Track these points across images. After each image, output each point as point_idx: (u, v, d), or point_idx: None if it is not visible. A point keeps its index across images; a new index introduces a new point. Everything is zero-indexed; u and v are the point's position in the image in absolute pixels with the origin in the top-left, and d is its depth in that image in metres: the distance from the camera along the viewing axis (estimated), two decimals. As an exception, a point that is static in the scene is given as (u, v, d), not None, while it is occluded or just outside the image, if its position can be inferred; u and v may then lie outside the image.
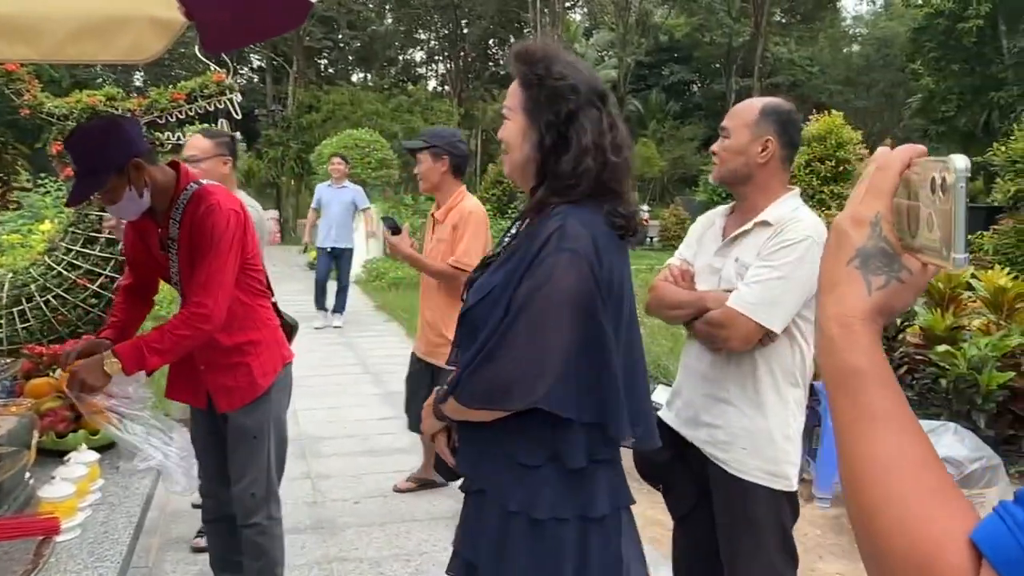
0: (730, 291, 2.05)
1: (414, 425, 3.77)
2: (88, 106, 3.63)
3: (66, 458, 2.00)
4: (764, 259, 2.01)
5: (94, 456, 2.03)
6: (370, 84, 34.17)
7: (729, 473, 2.06)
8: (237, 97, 3.50)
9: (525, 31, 32.81)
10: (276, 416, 2.60)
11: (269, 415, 2.56)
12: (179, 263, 2.38)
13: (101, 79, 23.55)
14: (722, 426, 2.08)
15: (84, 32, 2.57)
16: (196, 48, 2.97)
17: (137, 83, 27.99)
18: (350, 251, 9.11)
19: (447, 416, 1.73)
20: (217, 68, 3.55)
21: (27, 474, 1.92)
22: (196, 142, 3.27)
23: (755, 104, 2.15)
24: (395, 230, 2.92)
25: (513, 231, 1.82)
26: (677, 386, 2.28)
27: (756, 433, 2.05)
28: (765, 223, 2.08)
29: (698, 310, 2.08)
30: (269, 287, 2.63)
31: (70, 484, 1.82)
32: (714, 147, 2.18)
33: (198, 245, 2.29)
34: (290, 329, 2.75)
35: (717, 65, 36.55)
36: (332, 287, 9.16)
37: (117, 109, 3.63)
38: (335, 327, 9.05)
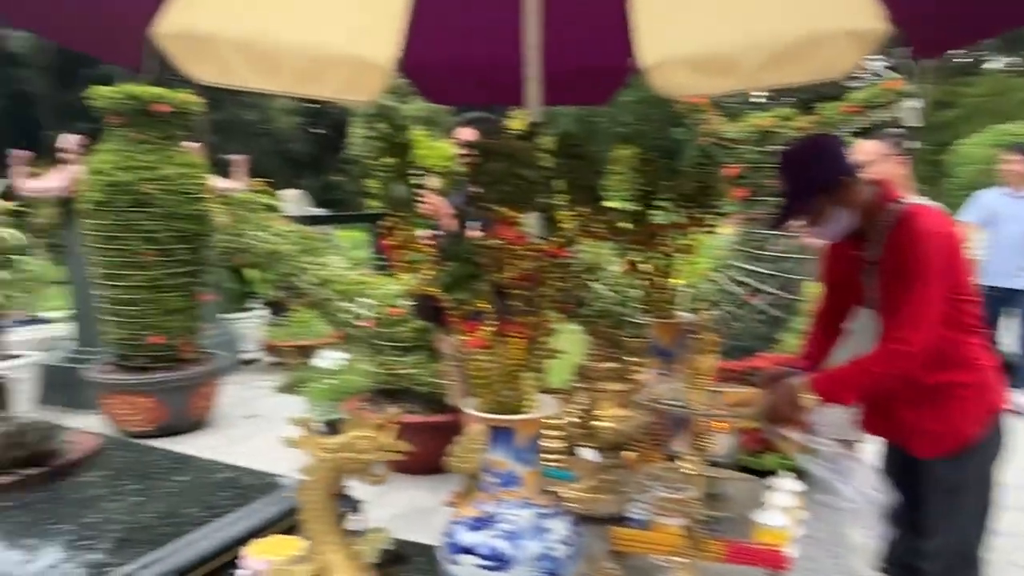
0: None
1: None
2: (760, 129, 3.78)
3: (769, 483, 2.02)
4: None
5: (799, 486, 2.01)
6: (1013, 69, 29.52)
7: None
8: (916, 103, 3.23)
9: None
10: (981, 472, 2.25)
11: (972, 470, 2.23)
12: (877, 289, 2.22)
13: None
14: None
15: (780, 56, 2.60)
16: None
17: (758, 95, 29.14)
18: None
19: None
20: (894, 73, 3.33)
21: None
22: (864, 146, 3.16)
23: None
24: None
25: None
26: None
27: None
28: None
29: None
30: (983, 322, 2.28)
31: (784, 514, 1.81)
32: None
33: (900, 273, 2.09)
34: (1012, 370, 2.35)
35: None
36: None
37: (789, 129, 3.70)
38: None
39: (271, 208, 6.06)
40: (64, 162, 5.67)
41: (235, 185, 6.79)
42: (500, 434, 1.49)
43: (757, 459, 2.26)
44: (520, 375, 1.46)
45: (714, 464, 2.06)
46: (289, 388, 6.22)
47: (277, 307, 7.80)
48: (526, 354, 1.45)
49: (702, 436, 1.61)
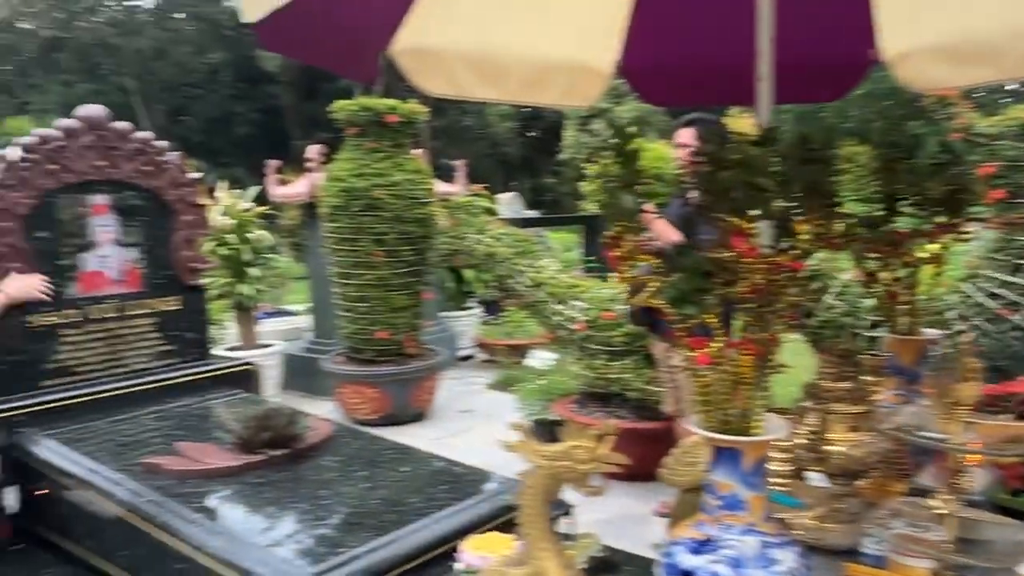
0: None
1: None
2: (1021, 121, 3.34)
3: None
4: None
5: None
6: None
7: None
8: None
9: None
10: None
11: None
12: None
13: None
14: None
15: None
16: None
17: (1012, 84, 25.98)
18: None
19: None
20: None
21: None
22: None
23: None
24: None
25: None
26: None
27: None
28: None
29: None
30: None
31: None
32: None
33: None
34: None
35: None
36: None
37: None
38: None
39: (489, 211, 6.29)
40: (308, 170, 6.24)
41: (455, 189, 7.11)
42: (725, 455, 1.42)
43: (1014, 498, 1.99)
44: (748, 393, 1.38)
45: (970, 504, 1.84)
46: (501, 385, 6.41)
47: (491, 306, 8.09)
48: (754, 371, 1.36)
49: (956, 471, 1.44)
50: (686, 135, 3.34)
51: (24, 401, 3.34)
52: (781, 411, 1.65)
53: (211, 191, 5.96)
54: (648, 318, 3.63)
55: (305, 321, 7.50)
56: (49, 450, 3.11)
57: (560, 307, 4.39)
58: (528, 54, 2.54)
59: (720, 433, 1.40)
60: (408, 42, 2.33)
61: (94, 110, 3.60)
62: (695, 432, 1.42)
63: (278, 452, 2.94)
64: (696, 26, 2.70)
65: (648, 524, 3.71)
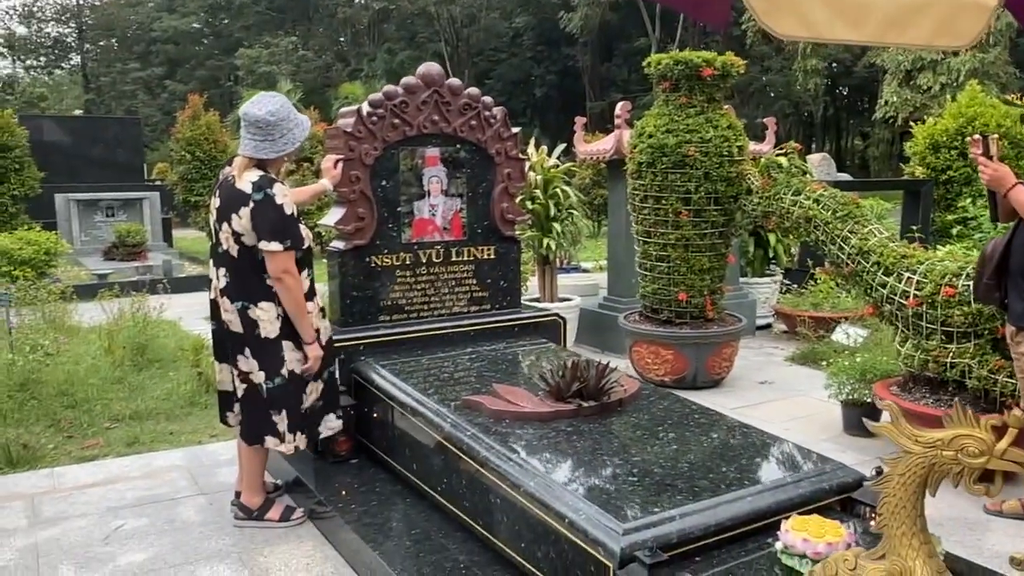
0: None
1: None
2: None
3: None
4: None
5: None
6: None
7: None
8: None
9: None
10: None
11: None
12: None
13: None
14: None
15: None
16: None
17: None
18: None
19: None
20: None
21: None
22: None
23: None
24: None
25: None
26: None
27: None
28: None
29: None
30: None
31: None
32: None
33: None
34: None
35: None
36: None
37: None
38: None
39: (805, 172, 5.84)
40: (614, 127, 6.23)
41: (765, 148, 6.71)
42: None
43: None
44: None
45: None
46: (802, 359, 6.00)
47: (794, 274, 7.59)
48: None
49: None
50: None
51: (365, 333, 3.72)
52: None
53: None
54: (999, 295, 3.12)
55: (599, 277, 7.57)
56: (383, 378, 3.44)
57: (889, 279, 3.94)
58: (896, -13, 2.24)
59: None
60: (759, -21, 2.15)
61: (431, 68, 3.85)
62: None
63: (588, 404, 2.97)
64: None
65: (984, 529, 3.26)
